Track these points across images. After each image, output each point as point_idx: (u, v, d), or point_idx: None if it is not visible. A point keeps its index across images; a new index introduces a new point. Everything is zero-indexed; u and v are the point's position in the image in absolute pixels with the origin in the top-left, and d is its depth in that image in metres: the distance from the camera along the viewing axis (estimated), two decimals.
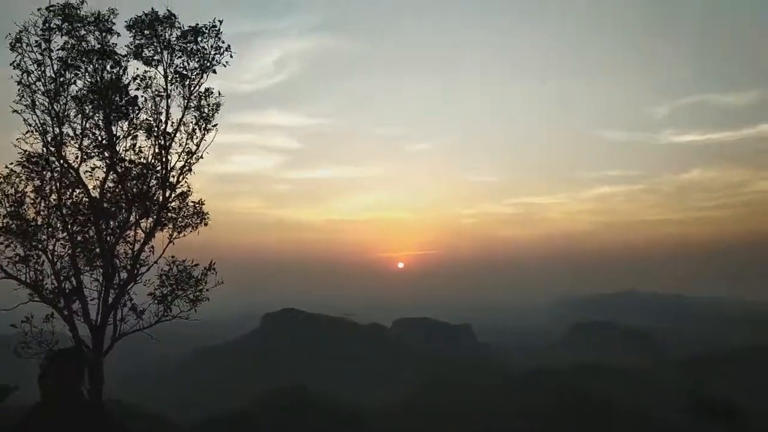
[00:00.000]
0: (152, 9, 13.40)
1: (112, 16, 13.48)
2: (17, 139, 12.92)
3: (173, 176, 14.04)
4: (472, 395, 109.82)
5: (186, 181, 14.18)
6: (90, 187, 13.68)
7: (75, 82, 13.24)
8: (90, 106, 13.33)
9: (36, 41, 12.79)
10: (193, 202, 14.36)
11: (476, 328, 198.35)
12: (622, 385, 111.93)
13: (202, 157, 14.17)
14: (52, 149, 13.17)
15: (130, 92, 13.73)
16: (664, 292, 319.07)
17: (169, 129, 13.93)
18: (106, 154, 13.64)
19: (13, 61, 12.74)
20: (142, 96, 13.78)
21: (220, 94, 14.09)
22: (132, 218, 13.92)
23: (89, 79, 13.34)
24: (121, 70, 13.62)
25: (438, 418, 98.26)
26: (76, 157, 13.44)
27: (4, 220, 12.94)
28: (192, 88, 13.88)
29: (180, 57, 13.76)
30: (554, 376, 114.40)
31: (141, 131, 13.87)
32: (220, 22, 13.75)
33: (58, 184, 13.38)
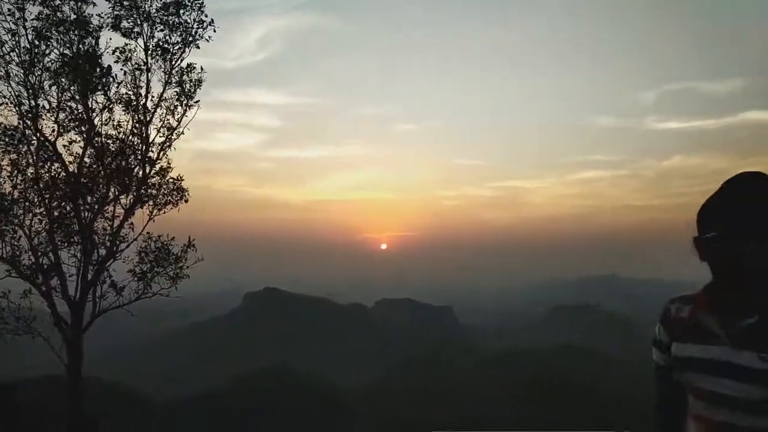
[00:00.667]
0: None
1: None
2: None
3: (153, 152, 13.85)
4: (452, 376, 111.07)
5: (166, 157, 14.00)
6: (67, 161, 13.47)
7: (50, 53, 12.93)
8: (65, 79, 13.04)
9: (9, 9, 12.44)
10: (172, 178, 14.19)
11: (458, 310, 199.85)
12: (598, 368, 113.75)
13: (183, 133, 13.99)
14: (28, 122, 12.92)
15: (105, 64, 13.43)
16: (645, 276, 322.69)
17: (149, 104, 13.70)
18: (83, 128, 13.38)
19: None
20: (121, 69, 13.51)
21: (202, 69, 13.88)
22: (111, 194, 13.74)
23: (63, 50, 13.02)
24: (95, 41, 13.29)
25: (418, 398, 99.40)
26: (53, 131, 13.22)
27: None
28: (173, 63, 13.62)
29: (162, 30, 13.46)
30: (532, 358, 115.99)
31: (119, 105, 13.62)
32: None
33: (34, 158, 13.17)
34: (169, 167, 14.11)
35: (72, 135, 13.45)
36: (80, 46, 13.09)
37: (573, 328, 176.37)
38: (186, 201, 14.31)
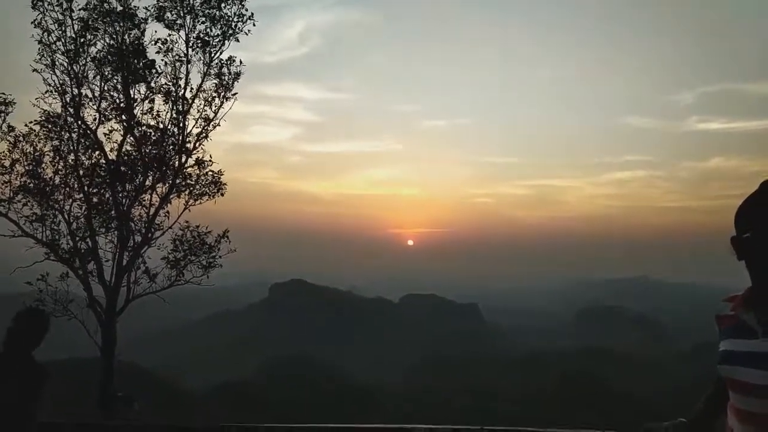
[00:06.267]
0: None
1: None
2: (36, 99, 12.99)
3: (190, 142, 14.05)
4: (475, 375, 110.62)
5: (203, 149, 14.20)
6: (107, 149, 13.78)
7: (95, 44, 13.23)
8: (109, 68, 13.33)
9: (57, 0, 12.77)
10: (212, 171, 14.36)
11: (483, 308, 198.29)
12: (626, 370, 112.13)
13: (219, 124, 14.14)
14: (71, 110, 13.23)
15: (149, 56, 13.68)
16: (678, 279, 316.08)
17: (188, 95, 13.90)
18: (124, 117, 13.67)
19: (34, 20, 12.73)
20: (162, 60, 13.76)
21: (241, 63, 14.02)
22: (148, 182, 14.00)
23: (109, 41, 13.31)
24: (140, 33, 13.56)
25: (439, 396, 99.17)
26: (94, 119, 13.51)
27: (23, 179, 13.11)
28: (213, 55, 13.82)
29: (203, 23, 13.66)
30: (558, 359, 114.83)
31: (159, 96, 13.85)
32: None
33: (76, 145, 13.48)
34: (210, 161, 14.25)
35: (113, 124, 13.76)
36: (125, 37, 13.37)
37: (602, 329, 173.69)
38: (222, 195, 14.49)
